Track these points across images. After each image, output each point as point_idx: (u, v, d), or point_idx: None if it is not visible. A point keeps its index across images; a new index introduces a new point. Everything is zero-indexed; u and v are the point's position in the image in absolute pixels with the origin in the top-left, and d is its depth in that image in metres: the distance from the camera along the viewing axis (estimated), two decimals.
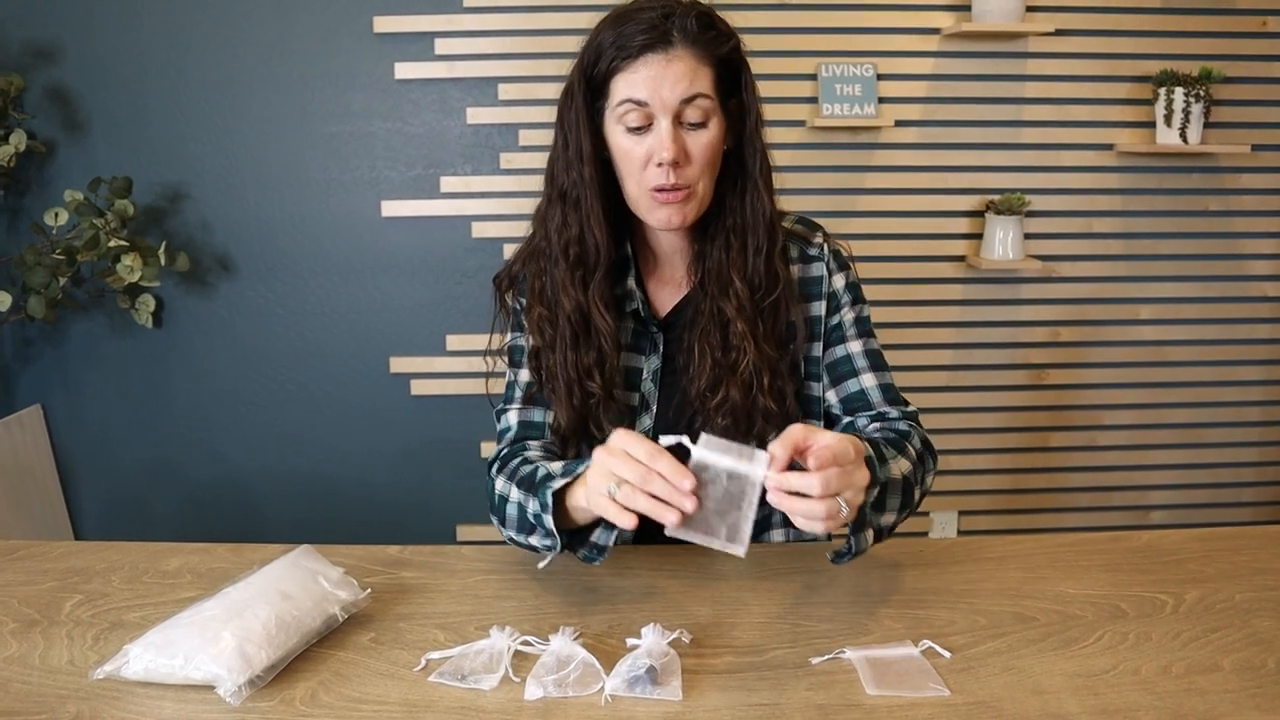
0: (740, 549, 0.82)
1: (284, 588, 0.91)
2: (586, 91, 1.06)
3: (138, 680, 0.83)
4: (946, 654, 0.88)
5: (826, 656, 0.87)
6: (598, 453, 0.88)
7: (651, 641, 0.86)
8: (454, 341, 2.58)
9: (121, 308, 2.48)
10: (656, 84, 1.01)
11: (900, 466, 1.01)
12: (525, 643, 0.88)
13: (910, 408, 1.17)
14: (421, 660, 0.88)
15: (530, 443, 1.15)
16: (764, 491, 0.83)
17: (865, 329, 1.18)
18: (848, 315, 1.17)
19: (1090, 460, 2.69)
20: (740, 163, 1.10)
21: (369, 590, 0.97)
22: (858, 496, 0.86)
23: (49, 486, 2.61)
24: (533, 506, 1.00)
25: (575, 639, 0.87)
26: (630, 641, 0.88)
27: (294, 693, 0.83)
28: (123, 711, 0.80)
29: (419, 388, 2.60)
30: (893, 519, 1.01)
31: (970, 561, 1.08)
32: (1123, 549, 1.11)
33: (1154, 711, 0.78)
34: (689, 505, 0.81)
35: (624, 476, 0.84)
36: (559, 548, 0.97)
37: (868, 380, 1.15)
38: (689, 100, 1.01)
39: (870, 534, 0.97)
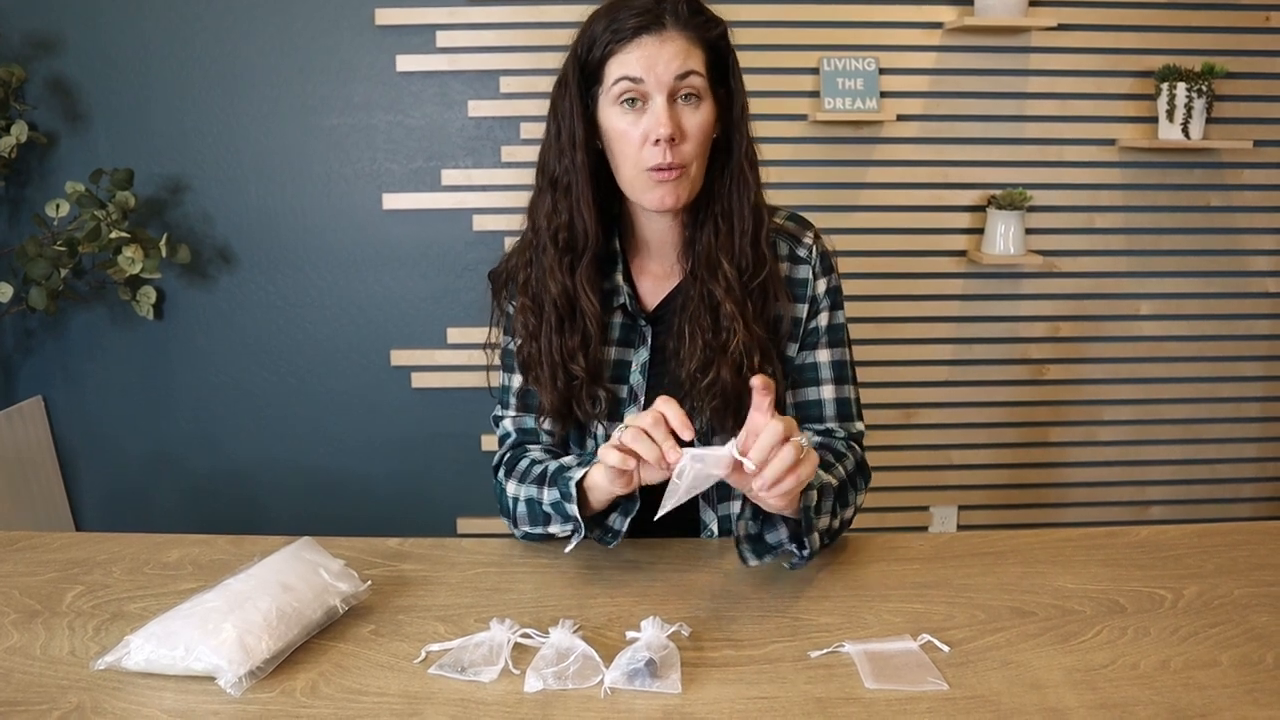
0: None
1: (284, 579, 0.92)
2: (580, 80, 1.08)
3: (139, 671, 0.83)
4: (945, 648, 0.88)
5: (825, 650, 0.88)
6: None
7: (651, 635, 0.86)
8: (455, 334, 2.58)
9: (122, 300, 2.48)
10: (651, 62, 1.03)
11: (829, 479, 1.04)
12: (525, 635, 0.88)
13: (858, 427, 1.19)
14: (421, 652, 0.88)
15: (530, 447, 1.19)
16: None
17: (838, 337, 1.19)
18: (823, 320, 1.18)
19: (1089, 455, 2.69)
20: (727, 149, 1.12)
21: (369, 582, 0.97)
22: (804, 435, 0.92)
23: (50, 478, 2.62)
24: (550, 496, 1.06)
25: (575, 632, 0.88)
26: (630, 634, 0.88)
27: (294, 684, 0.83)
28: (124, 702, 0.80)
29: (420, 380, 2.61)
30: (826, 522, 1.03)
31: (969, 556, 1.08)
32: (1121, 544, 1.11)
33: (1152, 706, 0.79)
34: (672, 456, 0.88)
35: (634, 423, 0.91)
36: (583, 532, 1.03)
37: (827, 392, 1.17)
38: (683, 77, 1.04)
39: (817, 536, 1.00)
